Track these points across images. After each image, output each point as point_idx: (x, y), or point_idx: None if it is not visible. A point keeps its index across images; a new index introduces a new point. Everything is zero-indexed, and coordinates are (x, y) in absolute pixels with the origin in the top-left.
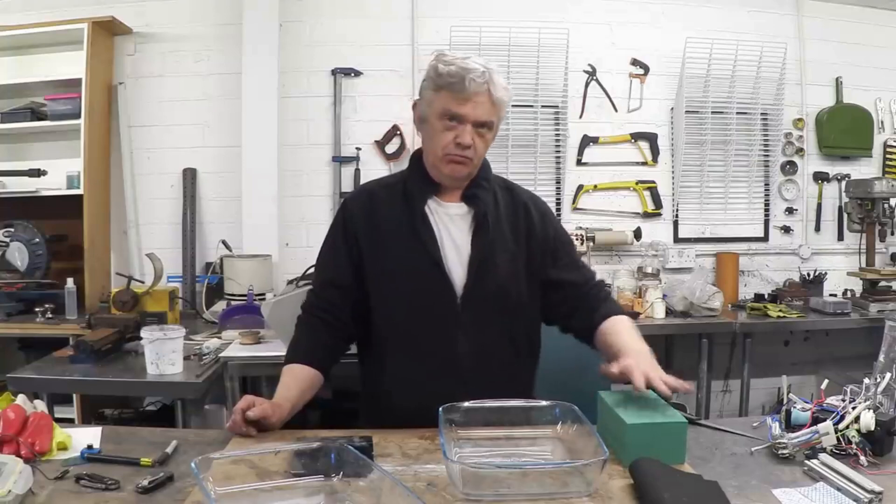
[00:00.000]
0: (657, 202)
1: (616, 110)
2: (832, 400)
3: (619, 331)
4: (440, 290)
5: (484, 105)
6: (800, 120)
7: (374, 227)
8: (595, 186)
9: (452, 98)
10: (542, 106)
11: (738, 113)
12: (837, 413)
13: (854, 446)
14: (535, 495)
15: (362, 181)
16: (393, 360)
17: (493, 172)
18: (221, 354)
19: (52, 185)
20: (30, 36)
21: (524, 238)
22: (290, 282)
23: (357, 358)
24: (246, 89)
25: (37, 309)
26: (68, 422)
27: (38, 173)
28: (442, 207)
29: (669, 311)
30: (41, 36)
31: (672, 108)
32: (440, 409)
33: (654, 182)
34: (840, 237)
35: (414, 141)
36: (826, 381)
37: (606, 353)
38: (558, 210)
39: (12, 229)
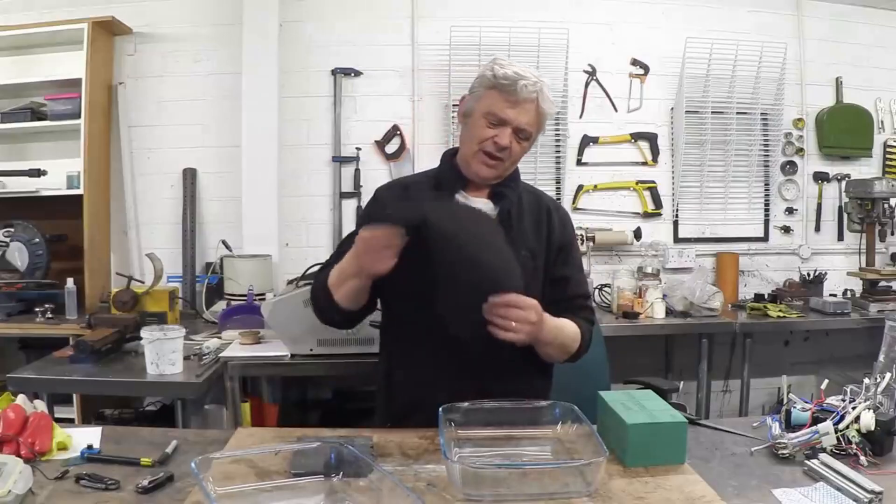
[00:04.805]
0: (657, 202)
1: (616, 110)
2: (832, 400)
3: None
4: None
5: (529, 113)
6: (800, 120)
7: None
8: (595, 186)
9: (502, 99)
10: None
11: (738, 113)
12: (837, 413)
13: (854, 446)
14: (535, 495)
15: (362, 181)
16: (408, 349)
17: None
18: (221, 354)
19: (52, 185)
20: (30, 36)
21: (545, 239)
22: (290, 282)
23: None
24: (246, 89)
25: (37, 309)
26: (68, 422)
27: (38, 173)
28: (469, 202)
29: (669, 311)
30: (41, 36)
31: (672, 108)
32: (440, 409)
33: (654, 182)
34: (840, 237)
35: (414, 141)
36: (826, 381)
37: None
38: None
39: (12, 229)
